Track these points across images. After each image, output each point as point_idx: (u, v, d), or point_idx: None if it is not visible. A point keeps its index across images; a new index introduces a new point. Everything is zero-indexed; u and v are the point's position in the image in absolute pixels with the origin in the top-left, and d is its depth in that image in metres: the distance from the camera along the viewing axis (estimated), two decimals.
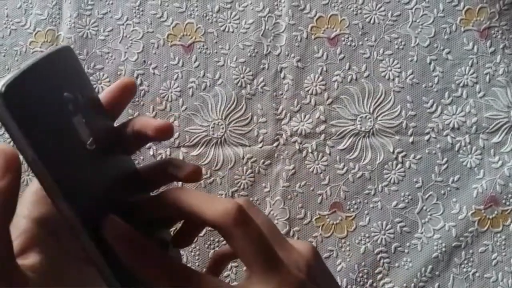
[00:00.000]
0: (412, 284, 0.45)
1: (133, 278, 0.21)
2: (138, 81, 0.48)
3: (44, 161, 0.18)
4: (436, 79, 0.47)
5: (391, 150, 0.46)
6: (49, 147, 0.19)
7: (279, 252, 0.21)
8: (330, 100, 0.47)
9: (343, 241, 0.46)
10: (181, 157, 0.46)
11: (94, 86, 0.48)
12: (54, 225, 0.24)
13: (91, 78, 0.48)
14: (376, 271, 0.45)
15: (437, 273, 0.45)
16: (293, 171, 0.46)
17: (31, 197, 0.27)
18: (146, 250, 0.21)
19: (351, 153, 0.46)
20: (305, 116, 0.47)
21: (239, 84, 0.47)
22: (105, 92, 0.25)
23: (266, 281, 0.20)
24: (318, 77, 0.47)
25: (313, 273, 0.23)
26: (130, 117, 0.47)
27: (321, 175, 0.46)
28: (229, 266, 0.46)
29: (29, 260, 0.25)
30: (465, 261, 0.45)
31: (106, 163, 0.23)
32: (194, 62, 0.48)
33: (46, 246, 0.23)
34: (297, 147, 0.47)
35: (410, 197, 0.46)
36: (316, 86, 0.47)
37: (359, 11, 0.48)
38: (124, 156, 0.26)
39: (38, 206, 0.27)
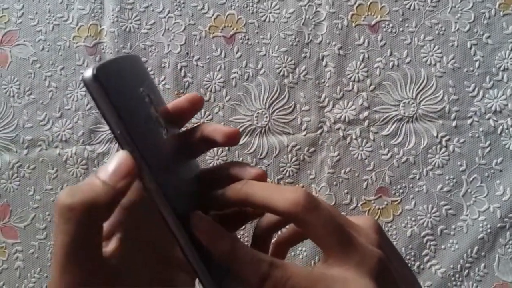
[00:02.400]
0: (459, 265, 0.46)
1: (222, 269, 0.22)
2: (182, 73, 0.49)
3: (131, 135, 0.19)
4: (477, 64, 0.47)
5: (435, 135, 0.47)
6: (135, 124, 0.20)
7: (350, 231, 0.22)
8: (372, 86, 0.47)
9: (389, 225, 0.46)
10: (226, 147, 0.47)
11: None
12: (139, 216, 0.24)
13: None
14: (423, 254, 0.46)
15: (482, 253, 0.46)
16: (337, 157, 0.47)
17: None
18: (235, 245, 0.21)
19: (395, 139, 0.47)
20: (348, 103, 0.47)
21: (281, 73, 0.48)
22: (173, 102, 0.26)
23: (346, 261, 0.20)
24: (360, 64, 0.48)
25: (383, 246, 0.23)
26: None
27: (366, 160, 0.47)
28: None
29: (110, 246, 0.26)
30: (510, 242, 0.46)
31: (176, 157, 0.24)
32: (236, 52, 0.49)
33: (128, 234, 0.24)
34: (341, 134, 0.47)
35: (454, 180, 0.46)
36: (358, 73, 0.48)
37: None
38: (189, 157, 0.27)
39: (128, 193, 0.28)
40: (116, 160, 0.20)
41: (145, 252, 0.24)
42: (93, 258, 0.20)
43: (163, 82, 0.49)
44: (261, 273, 0.20)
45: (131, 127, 0.19)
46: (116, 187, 0.19)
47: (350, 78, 0.48)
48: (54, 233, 0.19)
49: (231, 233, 0.22)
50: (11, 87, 0.50)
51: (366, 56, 0.48)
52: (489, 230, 0.46)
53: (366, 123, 0.47)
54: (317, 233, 0.21)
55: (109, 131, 0.48)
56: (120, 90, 0.20)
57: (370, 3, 0.48)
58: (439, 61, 0.47)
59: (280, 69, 0.48)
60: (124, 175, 0.19)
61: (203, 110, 0.48)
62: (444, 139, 0.47)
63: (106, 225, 0.26)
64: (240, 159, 0.47)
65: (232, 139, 0.24)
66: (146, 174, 0.20)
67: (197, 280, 0.23)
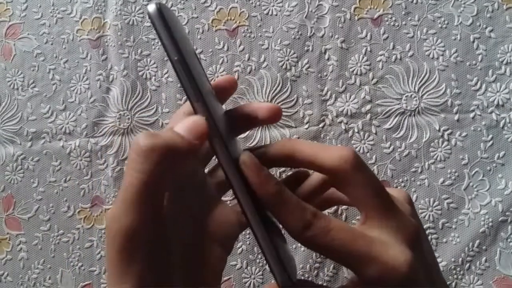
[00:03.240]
0: (460, 259, 0.46)
1: (274, 225, 0.22)
2: None
3: (187, 64, 0.20)
4: (479, 57, 0.47)
5: (437, 128, 0.47)
6: (190, 59, 0.21)
7: None
8: (375, 80, 0.47)
9: None
10: None
11: (141, 72, 0.49)
12: (185, 179, 0.24)
13: (138, 64, 0.49)
14: None
15: (484, 247, 0.46)
16: None
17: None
18: (282, 188, 0.21)
19: (397, 132, 0.47)
20: (350, 96, 0.48)
21: (284, 66, 0.48)
22: (216, 81, 0.27)
23: (385, 225, 0.21)
24: (363, 57, 0.48)
25: (415, 218, 0.23)
26: (178, 102, 0.48)
27: (368, 154, 0.47)
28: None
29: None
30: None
31: (226, 130, 0.24)
32: (239, 46, 0.49)
33: (175, 195, 0.24)
34: (343, 127, 0.47)
35: (456, 174, 0.46)
36: (360, 66, 0.48)
37: None
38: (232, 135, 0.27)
39: None
40: (193, 120, 0.20)
41: (185, 217, 0.24)
42: (160, 206, 0.20)
43: (166, 75, 0.49)
44: (305, 220, 0.20)
45: (187, 59, 0.20)
46: (192, 143, 0.20)
47: (353, 71, 0.48)
48: (126, 172, 0.19)
49: None
50: (15, 80, 0.51)
51: (369, 49, 0.48)
52: (490, 224, 0.46)
53: (368, 116, 0.47)
54: (361, 194, 0.21)
55: (112, 124, 0.49)
56: (176, 26, 0.21)
57: None
58: (442, 55, 0.47)
59: (283, 62, 0.48)
60: (199, 135, 0.20)
61: None
62: (446, 133, 0.47)
63: None
64: None
65: (274, 115, 0.25)
66: (215, 135, 0.21)
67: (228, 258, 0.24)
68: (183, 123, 0.20)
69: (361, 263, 0.20)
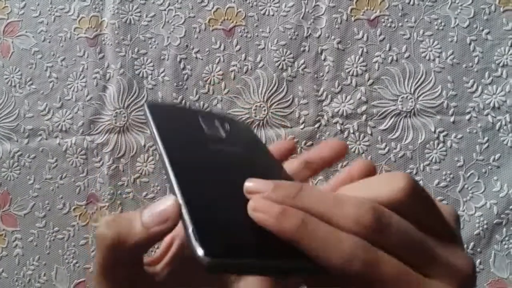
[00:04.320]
0: None
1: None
2: (181, 65, 0.49)
3: (163, 158, 0.20)
4: (476, 59, 0.47)
5: (433, 130, 0.47)
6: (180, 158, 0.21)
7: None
8: (371, 81, 0.47)
9: None
10: None
11: (138, 70, 0.49)
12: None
13: (135, 62, 0.49)
14: None
15: (478, 249, 0.46)
16: None
17: None
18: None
19: (393, 133, 0.47)
20: (346, 97, 0.48)
21: (280, 66, 0.48)
22: (317, 148, 0.24)
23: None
24: (359, 58, 0.48)
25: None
26: (174, 100, 0.48)
27: (363, 155, 0.47)
28: None
29: (158, 268, 0.26)
30: (506, 238, 0.46)
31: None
32: (236, 45, 0.49)
33: (175, 261, 0.25)
34: (339, 128, 0.47)
35: (451, 175, 0.46)
36: (356, 67, 0.48)
37: None
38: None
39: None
40: (162, 204, 0.20)
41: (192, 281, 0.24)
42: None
43: (162, 74, 0.49)
44: (346, 254, 0.17)
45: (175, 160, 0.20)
46: (150, 231, 0.19)
47: (349, 72, 0.48)
48: None
49: None
50: (13, 77, 0.51)
51: (365, 50, 0.48)
52: (485, 226, 0.46)
53: (364, 117, 0.47)
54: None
55: (109, 122, 0.49)
56: (169, 127, 0.22)
57: None
58: (438, 57, 0.47)
59: (279, 62, 0.48)
60: (163, 220, 0.19)
61: (201, 102, 0.49)
62: (441, 135, 0.47)
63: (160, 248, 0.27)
64: None
65: (341, 152, 0.23)
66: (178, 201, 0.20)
67: None
68: (150, 208, 0.20)
69: None
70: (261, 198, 0.18)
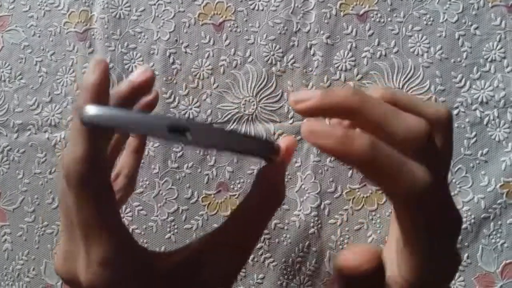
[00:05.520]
0: None
1: None
2: (171, 60, 0.49)
3: None
4: (464, 54, 0.47)
5: None
6: None
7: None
8: (360, 76, 0.48)
9: (373, 213, 0.47)
10: None
11: (128, 65, 0.49)
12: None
13: (124, 57, 0.49)
14: None
15: (466, 244, 0.46)
16: None
17: (130, 156, 0.34)
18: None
19: None
20: None
21: (269, 61, 0.48)
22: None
23: None
24: (348, 53, 0.48)
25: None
26: (163, 95, 0.48)
27: None
28: (262, 238, 0.47)
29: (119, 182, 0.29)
30: (494, 232, 0.46)
31: None
32: (225, 40, 0.49)
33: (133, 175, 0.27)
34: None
35: None
36: (345, 62, 0.48)
37: None
38: None
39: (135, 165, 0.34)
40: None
41: None
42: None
43: (151, 69, 0.49)
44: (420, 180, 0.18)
45: None
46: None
47: (338, 67, 0.48)
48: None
49: None
50: (2, 71, 0.51)
51: (354, 45, 0.48)
52: (473, 221, 0.46)
53: None
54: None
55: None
56: None
57: None
58: (427, 52, 0.47)
59: (268, 57, 0.48)
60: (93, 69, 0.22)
61: (190, 97, 0.49)
62: None
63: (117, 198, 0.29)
64: None
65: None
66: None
67: None
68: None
69: None
70: (317, 122, 0.17)
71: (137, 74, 0.25)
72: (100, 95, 0.21)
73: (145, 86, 0.25)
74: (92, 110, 0.19)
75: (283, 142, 0.23)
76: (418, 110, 0.20)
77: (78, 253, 0.21)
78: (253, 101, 0.48)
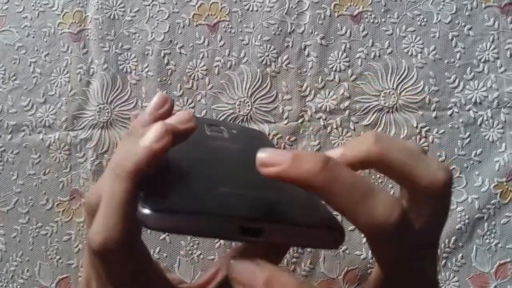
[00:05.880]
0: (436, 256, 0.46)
1: None
2: (165, 61, 0.49)
3: None
4: (458, 55, 0.47)
5: (415, 125, 0.47)
6: None
7: None
8: (354, 76, 0.48)
9: None
10: None
11: (122, 65, 0.49)
12: None
13: (119, 58, 0.49)
14: None
15: (460, 244, 0.46)
16: (318, 146, 0.47)
17: None
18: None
19: (375, 129, 0.47)
20: (329, 92, 0.48)
21: (264, 62, 0.48)
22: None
23: None
24: (342, 54, 0.48)
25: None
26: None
27: None
28: None
29: None
30: (488, 233, 0.46)
31: None
32: (219, 41, 0.49)
33: None
34: (322, 123, 0.47)
35: None
36: (340, 63, 0.48)
37: None
38: None
39: None
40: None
41: None
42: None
43: (146, 70, 0.49)
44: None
45: None
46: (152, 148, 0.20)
47: (332, 68, 0.48)
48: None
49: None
50: None
51: (348, 46, 0.48)
52: (467, 221, 0.46)
53: (346, 112, 0.47)
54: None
55: (92, 117, 0.49)
56: None
57: None
58: (420, 52, 0.48)
59: (263, 58, 0.48)
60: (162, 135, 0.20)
61: (185, 98, 0.49)
62: (423, 130, 0.47)
63: None
64: None
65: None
66: None
67: None
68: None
69: None
70: (266, 152, 0.18)
71: (178, 121, 0.23)
72: (153, 164, 0.20)
73: (184, 139, 0.23)
74: (150, 212, 0.16)
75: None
76: (411, 175, 0.19)
77: None
78: (248, 102, 0.48)
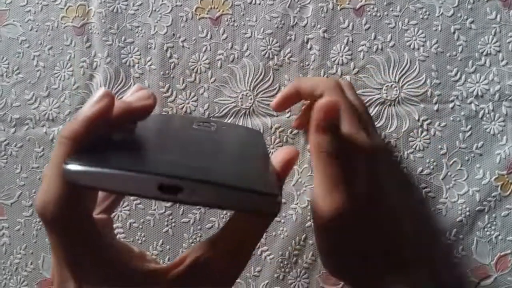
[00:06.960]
0: None
1: None
2: (168, 54, 0.49)
3: None
4: (460, 48, 0.48)
5: (417, 118, 0.47)
6: None
7: None
8: (356, 69, 0.48)
9: None
10: None
11: (125, 59, 0.50)
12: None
13: (122, 51, 0.50)
14: None
15: (461, 236, 0.46)
16: None
17: None
18: None
19: (377, 121, 0.47)
20: None
21: (266, 55, 0.49)
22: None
23: None
24: (344, 47, 0.48)
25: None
26: (160, 89, 0.48)
27: None
28: None
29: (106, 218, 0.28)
30: (488, 225, 0.46)
31: None
32: (222, 34, 0.49)
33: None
34: None
35: (435, 163, 0.47)
36: (342, 56, 0.48)
37: None
38: None
39: None
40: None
41: None
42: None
43: (149, 63, 0.49)
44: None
45: None
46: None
47: (334, 61, 0.48)
48: None
49: None
50: (0, 66, 0.51)
51: (351, 39, 0.48)
52: (468, 213, 0.46)
53: None
54: None
55: None
56: None
57: None
58: (423, 45, 0.48)
59: (265, 51, 0.49)
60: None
61: (188, 91, 0.49)
62: (425, 123, 0.47)
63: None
64: None
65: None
66: None
67: None
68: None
69: None
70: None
71: (136, 98, 0.24)
72: (90, 130, 0.21)
73: (142, 114, 0.24)
74: (73, 166, 0.17)
75: (283, 154, 0.23)
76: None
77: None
78: (250, 95, 0.48)
